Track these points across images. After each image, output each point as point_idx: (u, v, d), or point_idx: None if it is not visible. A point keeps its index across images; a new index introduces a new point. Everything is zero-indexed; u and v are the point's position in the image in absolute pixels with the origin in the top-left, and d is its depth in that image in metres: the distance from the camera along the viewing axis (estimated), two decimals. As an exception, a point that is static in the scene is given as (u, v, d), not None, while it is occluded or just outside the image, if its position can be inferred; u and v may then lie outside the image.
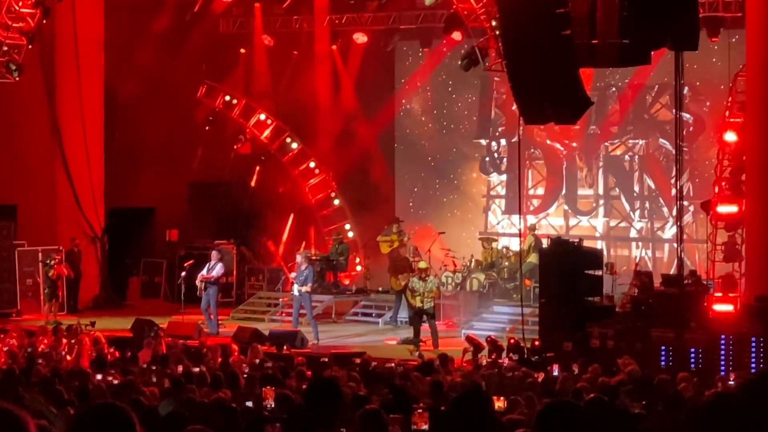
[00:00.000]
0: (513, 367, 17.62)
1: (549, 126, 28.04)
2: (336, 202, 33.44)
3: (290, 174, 33.57)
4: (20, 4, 26.99)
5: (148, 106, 31.49)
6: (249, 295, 31.05)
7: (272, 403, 11.57)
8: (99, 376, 15.39)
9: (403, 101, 33.94)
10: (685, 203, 26.49)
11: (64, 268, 28.41)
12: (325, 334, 25.35)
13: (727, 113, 25.66)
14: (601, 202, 31.51)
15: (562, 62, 18.45)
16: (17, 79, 27.57)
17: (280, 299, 29.39)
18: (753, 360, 19.01)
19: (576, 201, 31.73)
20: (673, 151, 24.53)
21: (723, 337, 19.35)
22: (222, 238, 31.56)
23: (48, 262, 28.28)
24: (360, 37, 32.60)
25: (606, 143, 31.43)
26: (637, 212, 30.97)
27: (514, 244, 28.72)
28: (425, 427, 9.35)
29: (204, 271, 26.15)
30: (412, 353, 22.67)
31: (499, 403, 11.70)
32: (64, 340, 20.51)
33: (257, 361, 18.21)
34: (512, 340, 21.25)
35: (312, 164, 33.43)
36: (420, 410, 9.68)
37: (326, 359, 18.81)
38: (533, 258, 26.46)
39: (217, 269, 26.21)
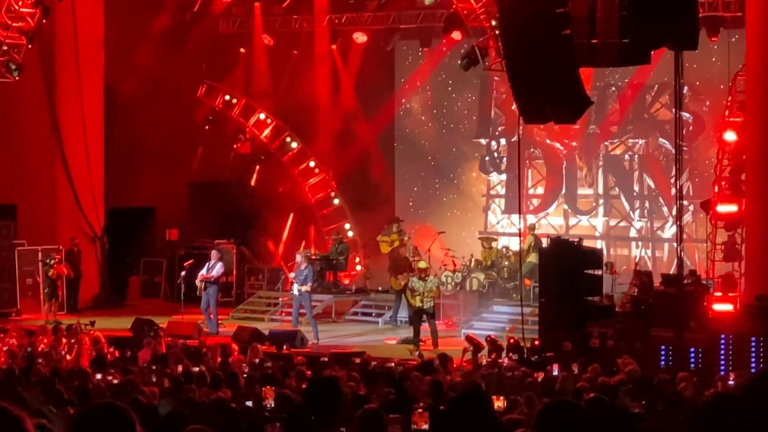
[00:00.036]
0: (513, 367, 17.61)
1: (549, 125, 28.04)
2: (336, 201, 33.44)
3: (290, 173, 33.57)
4: (20, 3, 26.99)
5: (148, 105, 31.48)
6: (249, 294, 31.05)
7: (272, 402, 11.57)
8: (99, 376, 15.39)
9: (403, 101, 33.94)
10: (685, 203, 26.48)
11: (63, 267, 28.41)
12: (324, 334, 25.34)
13: (726, 113, 25.67)
14: (601, 201, 31.52)
15: (562, 62, 18.45)
16: (17, 78, 27.58)
17: (280, 299, 29.39)
18: (753, 360, 19.01)
19: (576, 200, 31.74)
20: (673, 151, 24.53)
21: (723, 336, 19.35)
22: (222, 237, 31.57)
23: (48, 261, 28.28)
24: (360, 37, 32.60)
25: (606, 143, 31.43)
26: (637, 212, 30.97)
27: (514, 244, 28.73)
28: (425, 426, 9.35)
29: (204, 271, 26.14)
30: (412, 353, 22.66)
31: (499, 403, 11.71)
32: (64, 340, 20.50)
33: (257, 360, 18.21)
34: (512, 340, 21.25)
35: (312, 164, 33.44)
36: (420, 410, 9.67)
37: (326, 359, 18.81)
38: (533, 257, 26.46)
39: (217, 269, 26.20)
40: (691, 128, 28.90)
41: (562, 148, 31.76)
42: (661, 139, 30.48)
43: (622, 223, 31.21)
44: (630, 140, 31.23)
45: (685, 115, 27.54)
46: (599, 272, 22.42)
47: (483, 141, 32.84)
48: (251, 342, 21.39)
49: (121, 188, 31.62)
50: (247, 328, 24.27)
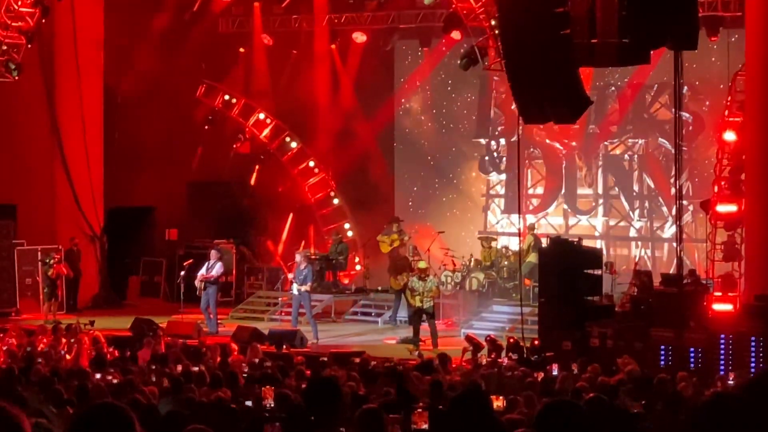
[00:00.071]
0: (512, 367, 17.61)
1: (548, 125, 28.05)
2: (335, 201, 33.45)
3: (289, 173, 33.57)
4: (19, 3, 26.98)
5: (147, 105, 31.47)
6: (248, 294, 31.06)
7: (272, 402, 11.57)
8: (98, 376, 15.38)
9: (403, 100, 33.95)
10: (685, 202, 26.48)
11: (63, 267, 28.41)
12: (324, 334, 25.34)
13: (726, 112, 25.66)
14: (601, 201, 31.52)
15: (562, 62, 18.44)
16: (17, 78, 27.57)
17: (280, 298, 29.39)
18: (752, 359, 18.99)
19: (575, 200, 31.74)
20: (673, 151, 24.53)
21: (722, 336, 19.34)
22: (221, 237, 31.57)
23: (47, 261, 28.27)
24: (359, 37, 32.60)
25: (605, 142, 31.44)
26: (637, 211, 30.98)
27: (514, 244, 28.73)
28: (425, 426, 9.35)
29: (203, 270, 26.14)
30: (412, 352, 22.66)
31: (498, 403, 11.71)
32: (64, 340, 20.49)
33: (256, 360, 18.20)
34: (512, 340, 21.24)
35: (311, 163, 33.44)
36: (419, 410, 9.68)
37: (325, 358, 18.80)
38: (533, 257, 26.46)
39: (217, 268, 26.20)
40: (690, 128, 28.90)
41: (561, 147, 31.77)
42: (660, 139, 30.48)
43: (622, 223, 31.21)
44: (630, 140, 31.23)
45: (685, 114, 27.54)
46: (599, 272, 22.41)
47: (482, 141, 32.85)
48: (251, 342, 21.39)
49: (121, 188, 31.62)
50: (246, 328, 24.27)
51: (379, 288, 29.69)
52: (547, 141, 31.70)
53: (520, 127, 24.57)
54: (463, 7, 25.15)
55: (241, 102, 33.47)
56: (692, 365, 18.99)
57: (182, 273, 26.95)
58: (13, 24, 27.14)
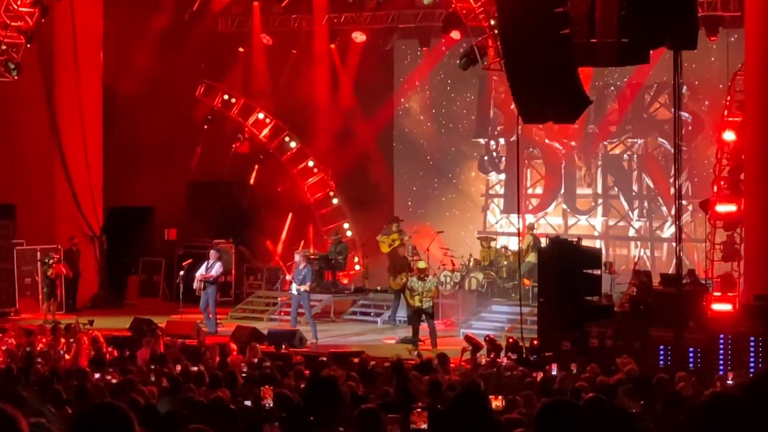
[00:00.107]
0: (511, 367, 17.60)
1: (548, 125, 28.06)
2: (335, 201, 33.45)
3: (289, 173, 33.56)
4: (19, 2, 26.96)
5: (146, 105, 31.47)
6: (247, 294, 31.06)
7: (271, 402, 11.56)
8: (97, 375, 15.38)
9: (402, 100, 33.94)
10: (684, 202, 26.45)
11: (62, 267, 28.41)
12: (323, 334, 25.34)
13: (725, 112, 25.66)
14: (600, 201, 31.52)
15: (561, 61, 18.45)
16: (16, 78, 27.54)
17: (279, 298, 29.39)
18: (752, 359, 18.99)
19: (575, 200, 31.74)
20: (672, 150, 24.52)
21: (721, 336, 19.34)
22: (221, 237, 31.57)
23: (47, 261, 28.27)
24: (359, 36, 32.59)
25: (605, 142, 31.43)
26: (636, 211, 30.97)
27: (513, 244, 28.74)
28: (424, 426, 9.35)
29: (202, 270, 26.14)
30: (411, 352, 22.65)
31: (498, 403, 11.70)
32: (63, 339, 20.49)
33: (256, 360, 18.19)
34: (511, 340, 21.23)
35: (311, 163, 33.43)
36: (419, 409, 9.67)
37: (325, 358, 18.79)
38: (532, 257, 26.46)
39: (216, 268, 26.20)
40: (690, 128, 28.90)
41: (561, 147, 31.76)
42: (660, 139, 30.48)
43: (621, 223, 31.21)
44: (629, 140, 31.22)
45: (684, 114, 27.53)
46: (598, 272, 22.40)
47: (482, 140, 32.85)
48: (250, 341, 21.39)
49: (120, 188, 31.62)
50: (245, 328, 24.27)
51: (379, 288, 29.69)
52: (547, 141, 31.70)
53: (520, 127, 24.56)
54: (463, 6, 25.15)
55: (241, 102, 33.46)
56: (691, 365, 18.99)
57: (181, 273, 26.96)
58: (13, 24, 27.12)
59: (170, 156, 32.50)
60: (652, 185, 30.76)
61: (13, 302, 28.89)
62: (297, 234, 32.89)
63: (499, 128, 32.52)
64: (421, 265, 25.36)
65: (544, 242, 24.70)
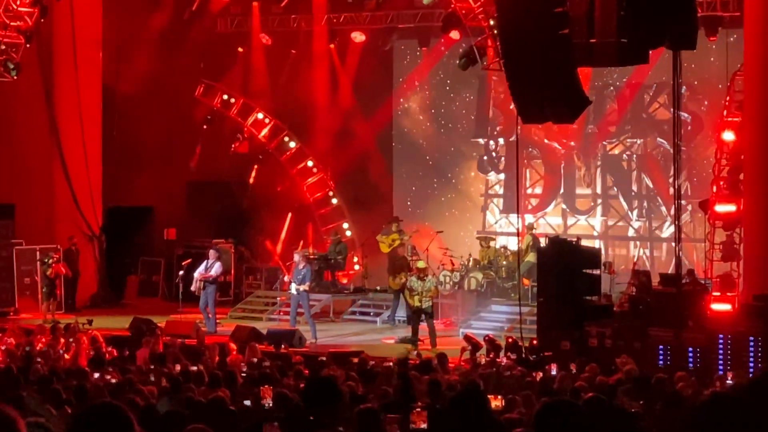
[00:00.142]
0: (511, 366, 17.61)
1: (547, 125, 28.06)
2: (334, 201, 33.46)
3: (288, 173, 33.57)
4: (18, 2, 26.96)
5: (146, 105, 31.47)
6: (247, 293, 31.07)
7: (270, 402, 11.56)
8: (97, 375, 15.38)
9: (401, 100, 33.94)
10: (683, 202, 26.47)
11: (62, 266, 28.41)
12: (322, 333, 25.34)
13: (725, 112, 25.65)
14: (599, 201, 31.52)
15: (561, 61, 18.44)
16: (15, 78, 27.54)
17: (278, 298, 29.39)
18: (751, 359, 18.99)
19: (574, 200, 31.74)
20: (671, 150, 24.54)
21: (721, 336, 19.34)
22: (220, 237, 31.57)
23: (46, 260, 28.28)
24: (358, 36, 32.59)
25: (604, 142, 31.44)
26: (635, 211, 30.98)
27: (512, 243, 28.75)
28: (424, 426, 9.35)
29: (201, 269, 26.14)
30: (410, 352, 22.64)
31: (497, 402, 11.70)
32: (62, 339, 20.49)
33: (255, 360, 18.19)
34: (510, 339, 21.23)
35: (310, 163, 33.44)
36: (418, 409, 9.67)
37: (324, 358, 18.79)
38: (531, 257, 26.46)
39: (216, 268, 26.20)
40: (689, 128, 28.90)
41: (560, 147, 31.77)
42: (659, 139, 30.49)
43: (621, 223, 31.21)
44: (628, 140, 31.23)
45: (684, 114, 27.53)
46: (597, 272, 22.39)
47: (481, 140, 32.86)
48: (249, 341, 21.38)
49: (120, 187, 31.63)
50: (245, 328, 24.27)
51: (378, 288, 29.70)
52: (546, 141, 31.71)
53: (519, 127, 24.55)
54: (462, 6, 25.15)
55: (240, 101, 33.46)
56: (691, 365, 19.00)
57: (181, 273, 26.98)
58: (12, 23, 27.12)
59: (169, 156, 32.50)
60: (651, 185, 30.76)
61: (13, 302, 28.90)
62: (296, 234, 32.90)
63: (498, 128, 32.52)
64: (421, 264, 25.36)
65: (543, 242, 24.69)
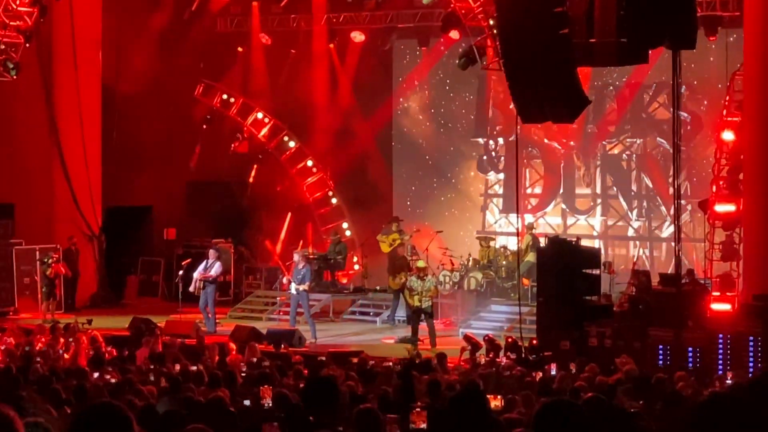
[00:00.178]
0: (510, 366, 17.61)
1: (546, 125, 28.05)
2: (333, 200, 33.46)
3: (288, 172, 33.57)
4: (18, 2, 26.95)
5: (145, 104, 31.47)
6: (246, 293, 31.06)
7: (270, 402, 11.56)
8: (96, 375, 15.38)
9: (401, 100, 33.94)
10: (683, 202, 26.47)
11: (61, 266, 28.40)
12: (322, 333, 25.33)
13: (724, 112, 25.65)
14: (599, 201, 31.53)
15: (560, 61, 18.45)
16: (15, 77, 27.54)
17: (278, 298, 29.39)
18: (750, 359, 18.99)
19: (574, 200, 31.74)
20: (671, 150, 24.53)
21: (721, 336, 19.34)
22: (220, 236, 31.57)
23: (46, 260, 28.27)
24: (357, 36, 32.59)
25: (603, 142, 31.44)
26: (635, 211, 30.98)
27: (512, 243, 28.75)
28: (423, 425, 9.34)
29: (201, 269, 26.13)
30: (410, 352, 22.64)
31: (497, 402, 11.69)
32: (62, 339, 20.48)
33: (255, 359, 18.19)
34: (510, 339, 21.23)
35: (309, 163, 33.45)
36: (418, 409, 9.67)
37: (323, 358, 18.79)
38: (531, 257, 26.46)
39: (215, 268, 26.20)
40: (689, 128, 28.90)
41: (559, 147, 31.77)
42: (658, 139, 30.49)
43: (620, 223, 31.22)
44: (628, 140, 31.23)
45: (683, 114, 27.53)
46: (597, 272, 22.40)
47: (481, 140, 32.86)
48: (249, 341, 21.37)
49: (119, 187, 31.62)
50: (244, 327, 24.27)
51: (378, 287, 29.70)
52: (546, 140, 31.71)
53: (518, 127, 24.54)
54: (462, 6, 25.16)
55: (240, 101, 33.47)
56: (690, 365, 19.00)
57: (180, 272, 26.97)
58: (12, 23, 27.11)
59: (169, 156, 32.50)
60: (651, 185, 30.77)
61: (12, 302, 28.89)
62: (296, 233, 32.89)
63: (498, 128, 32.52)
64: (421, 264, 25.37)
65: (543, 242, 24.68)
